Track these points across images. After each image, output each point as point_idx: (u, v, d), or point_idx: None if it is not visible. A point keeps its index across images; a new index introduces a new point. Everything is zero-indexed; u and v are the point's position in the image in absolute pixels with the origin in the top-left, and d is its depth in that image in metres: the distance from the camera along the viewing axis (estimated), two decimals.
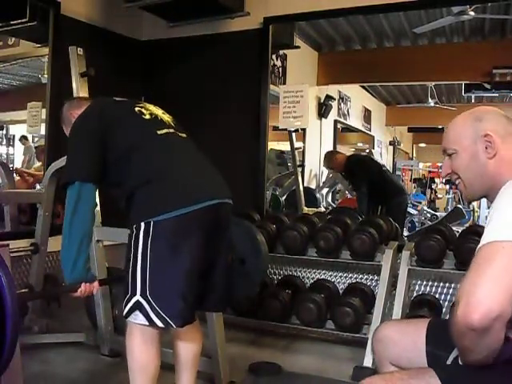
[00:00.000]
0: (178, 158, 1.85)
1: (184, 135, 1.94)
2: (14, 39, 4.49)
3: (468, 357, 1.11)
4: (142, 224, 1.72)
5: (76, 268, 1.74)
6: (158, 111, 1.96)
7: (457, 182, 1.36)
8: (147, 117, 1.89)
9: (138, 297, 1.72)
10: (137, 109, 1.90)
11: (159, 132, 1.85)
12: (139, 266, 1.72)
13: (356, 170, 4.87)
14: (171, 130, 1.90)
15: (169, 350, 2.07)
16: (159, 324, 1.71)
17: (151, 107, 1.96)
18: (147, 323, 1.73)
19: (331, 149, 7.14)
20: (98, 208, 2.80)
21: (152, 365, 1.80)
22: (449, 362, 1.30)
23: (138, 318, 1.73)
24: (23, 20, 3.63)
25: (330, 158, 5.17)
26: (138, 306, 1.72)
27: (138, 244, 1.72)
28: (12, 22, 3.75)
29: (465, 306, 1.02)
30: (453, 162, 1.34)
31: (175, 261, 1.70)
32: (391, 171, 9.05)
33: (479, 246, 1.10)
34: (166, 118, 1.96)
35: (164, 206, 1.71)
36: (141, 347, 1.78)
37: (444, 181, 10.76)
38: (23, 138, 5.98)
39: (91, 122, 1.84)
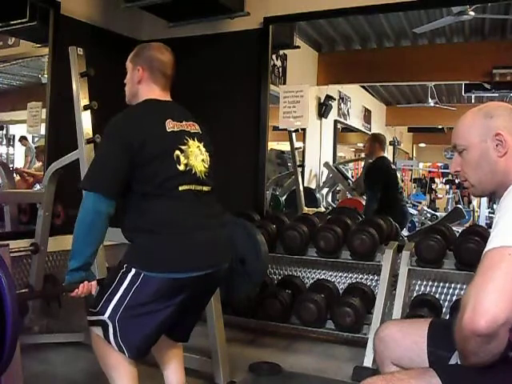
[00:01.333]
0: (188, 219, 1.79)
1: (207, 188, 1.89)
2: (13, 39, 4.49)
3: (470, 360, 1.11)
4: (133, 270, 1.74)
5: (77, 268, 1.75)
6: (198, 158, 1.86)
7: (466, 178, 1.35)
8: (181, 168, 1.79)
9: (104, 317, 1.75)
10: (176, 153, 1.80)
11: (181, 188, 1.79)
12: (117, 297, 1.74)
13: (378, 172, 4.73)
14: (197, 188, 1.84)
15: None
16: (114, 347, 1.75)
17: (195, 150, 1.86)
18: (102, 336, 1.77)
19: (331, 149, 7.15)
20: None
21: (122, 362, 1.80)
22: (453, 361, 1.30)
23: (98, 331, 1.78)
24: (23, 20, 3.63)
25: (372, 142, 4.88)
26: (101, 324, 1.76)
27: (123, 281, 1.75)
28: (12, 22, 3.75)
29: (471, 312, 1.03)
30: (463, 159, 1.33)
31: (151, 311, 1.73)
32: None
33: (486, 249, 1.10)
34: (203, 167, 1.87)
35: (159, 264, 1.72)
36: (106, 349, 1.79)
37: (444, 181, 10.78)
38: (23, 139, 5.99)
39: (130, 141, 1.75)
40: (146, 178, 1.75)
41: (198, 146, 1.88)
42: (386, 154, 5.00)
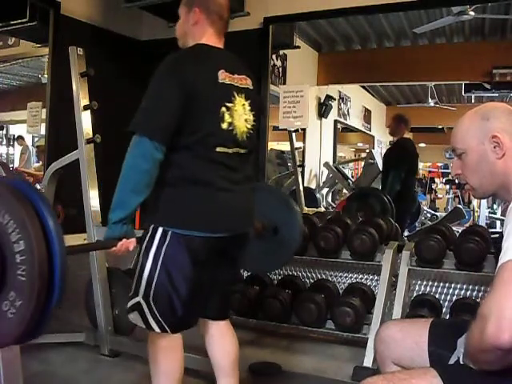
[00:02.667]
0: (216, 181, 1.72)
1: (244, 151, 1.81)
2: (13, 39, 4.50)
3: (482, 368, 1.12)
4: (160, 229, 1.69)
5: (120, 220, 1.66)
6: (242, 118, 1.77)
7: (466, 181, 1.35)
8: (224, 126, 1.70)
9: (139, 298, 1.71)
10: (223, 109, 1.70)
11: (219, 149, 1.70)
12: (147, 269, 1.69)
13: (404, 152, 4.54)
14: (234, 150, 1.76)
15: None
16: (156, 329, 1.71)
17: (239, 109, 1.76)
18: (144, 326, 1.72)
19: (331, 149, 7.15)
20: (98, 208, 2.81)
21: (176, 370, 1.78)
22: (451, 362, 1.30)
23: (137, 321, 1.73)
24: (23, 20, 3.63)
25: (398, 122, 4.68)
26: (137, 308, 1.72)
27: (151, 247, 1.70)
28: (12, 22, 3.75)
29: (495, 326, 1.02)
30: (462, 162, 1.33)
31: (180, 272, 1.69)
32: None
33: (502, 261, 1.09)
34: (245, 128, 1.78)
35: (188, 222, 1.67)
36: (164, 354, 1.76)
37: (444, 181, 10.78)
38: (19, 138, 5.99)
39: (185, 87, 1.63)
40: (189, 128, 1.66)
41: (244, 104, 1.78)
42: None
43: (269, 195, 1.97)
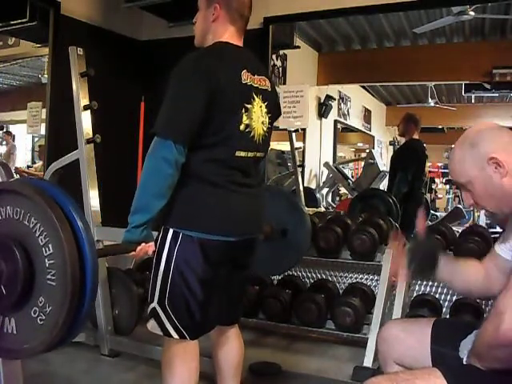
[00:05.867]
0: (234, 186, 1.69)
1: (260, 155, 1.78)
2: (14, 39, 4.50)
3: (491, 365, 1.13)
4: (171, 230, 1.66)
5: (141, 224, 1.61)
6: (259, 120, 1.73)
7: (484, 208, 1.35)
8: (241, 128, 1.67)
9: (154, 304, 1.67)
10: (242, 111, 1.66)
11: (237, 154, 1.67)
12: (161, 272, 1.66)
13: (413, 154, 4.49)
14: (250, 155, 1.72)
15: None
16: (174, 335, 1.66)
17: (257, 111, 1.72)
18: (162, 333, 1.67)
19: (331, 149, 7.15)
20: (98, 208, 2.81)
21: (191, 380, 1.71)
22: (454, 362, 1.31)
23: (155, 329, 1.69)
24: (23, 20, 3.63)
25: (408, 122, 4.62)
26: (153, 314, 1.68)
27: (162, 250, 1.66)
28: (12, 22, 3.75)
29: (511, 323, 1.03)
30: (471, 193, 1.32)
31: (196, 276, 1.65)
32: None
33: None
34: (261, 130, 1.74)
35: (200, 224, 1.64)
36: (180, 362, 1.70)
37: (444, 181, 10.77)
38: (6, 134, 5.99)
39: (209, 87, 1.58)
40: (211, 128, 1.61)
41: (261, 106, 1.74)
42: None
43: (277, 197, 1.95)
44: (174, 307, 1.65)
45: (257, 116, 1.71)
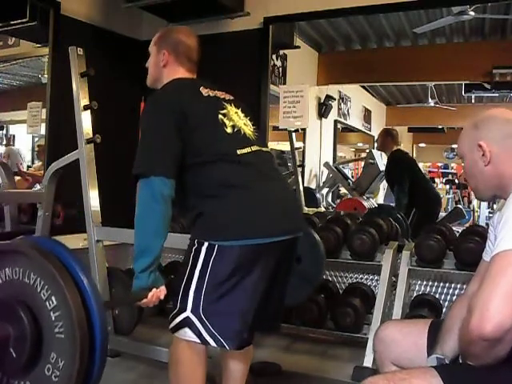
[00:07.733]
0: (258, 182, 1.67)
1: (266, 149, 1.80)
2: (14, 39, 4.50)
3: (473, 361, 1.14)
4: (206, 243, 1.61)
5: (147, 267, 1.59)
6: (240, 122, 1.78)
7: (468, 184, 1.43)
8: (229, 130, 1.70)
9: (187, 313, 1.60)
10: (220, 116, 1.72)
11: (239, 152, 1.68)
12: (194, 282, 1.60)
13: (400, 164, 4.63)
14: (253, 148, 1.73)
15: None
16: (212, 344, 1.60)
17: (234, 116, 1.77)
18: (198, 341, 1.61)
19: (331, 149, 7.14)
20: (98, 208, 2.81)
21: (199, 381, 1.70)
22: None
23: (187, 334, 1.62)
24: (23, 20, 3.63)
25: (385, 137, 4.81)
26: (187, 323, 1.61)
27: (196, 261, 1.61)
28: (12, 22, 3.75)
29: (478, 317, 1.05)
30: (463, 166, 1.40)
31: (236, 283, 1.59)
32: None
33: (494, 253, 1.12)
34: (248, 130, 1.78)
35: (234, 231, 1.59)
36: (189, 362, 1.67)
37: (444, 181, 10.78)
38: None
39: (175, 112, 1.65)
40: (198, 146, 1.65)
41: (236, 112, 1.79)
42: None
43: None
44: (210, 316, 1.60)
45: (237, 118, 1.77)
